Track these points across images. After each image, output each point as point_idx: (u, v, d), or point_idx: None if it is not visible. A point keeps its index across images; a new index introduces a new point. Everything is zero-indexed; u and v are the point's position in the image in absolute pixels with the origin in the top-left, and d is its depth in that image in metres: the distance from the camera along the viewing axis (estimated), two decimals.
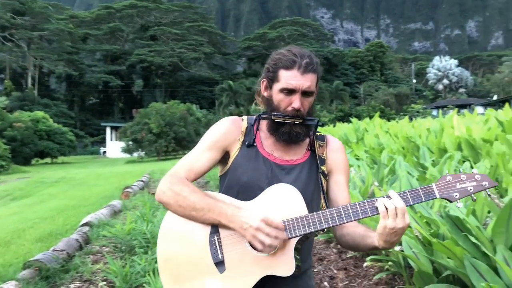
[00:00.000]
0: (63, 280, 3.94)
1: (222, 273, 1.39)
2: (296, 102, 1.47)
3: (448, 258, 2.57)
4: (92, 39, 70.88)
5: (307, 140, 1.61)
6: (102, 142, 50.82)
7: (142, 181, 12.02)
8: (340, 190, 1.60)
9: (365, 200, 1.39)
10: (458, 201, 1.38)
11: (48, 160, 33.34)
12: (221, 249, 1.40)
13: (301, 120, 1.49)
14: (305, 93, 1.49)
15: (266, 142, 1.58)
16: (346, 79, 68.12)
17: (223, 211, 1.39)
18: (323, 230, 1.40)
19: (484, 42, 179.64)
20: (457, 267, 2.46)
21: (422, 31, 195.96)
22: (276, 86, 1.51)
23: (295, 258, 1.40)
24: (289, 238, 1.39)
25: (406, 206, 1.34)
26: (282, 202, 1.42)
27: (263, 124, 1.60)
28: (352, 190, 4.48)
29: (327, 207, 1.50)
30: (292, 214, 1.40)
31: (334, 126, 14.89)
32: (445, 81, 67.75)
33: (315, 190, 1.55)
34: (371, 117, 13.40)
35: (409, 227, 2.97)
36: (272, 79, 1.53)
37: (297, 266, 1.41)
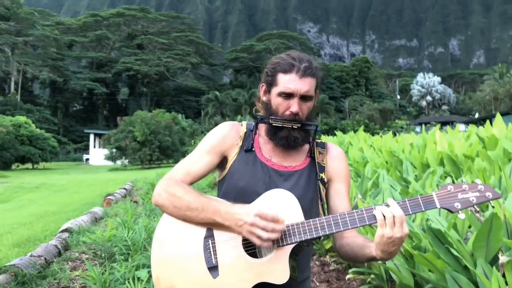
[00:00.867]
0: (39, 287, 3.85)
1: (215, 278, 1.36)
2: (294, 106, 1.45)
3: (430, 271, 2.58)
4: (78, 46, 70.52)
5: (307, 147, 1.58)
6: (86, 149, 50.28)
7: (124, 188, 11.89)
8: (340, 199, 1.56)
9: (363, 208, 1.36)
10: (459, 211, 1.33)
11: (29, 165, 32.86)
12: (215, 254, 1.37)
13: (299, 125, 1.47)
14: (304, 98, 1.47)
15: (265, 148, 1.55)
16: (331, 93, 68.88)
17: (217, 209, 1.35)
18: (319, 237, 1.36)
19: (466, 60, 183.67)
20: (438, 280, 2.47)
21: (407, 48, 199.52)
22: (275, 90, 1.49)
23: (292, 267, 1.36)
24: (284, 245, 1.36)
25: (405, 215, 1.30)
26: (278, 208, 1.37)
27: (262, 129, 1.57)
28: None
29: (324, 215, 1.45)
30: (288, 220, 1.36)
31: (319, 139, 14.94)
32: (429, 97, 68.92)
33: (314, 197, 1.51)
34: (355, 131, 13.52)
35: None
36: (271, 83, 1.51)
37: (293, 276, 1.37)
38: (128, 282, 3.33)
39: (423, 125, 11.38)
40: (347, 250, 1.47)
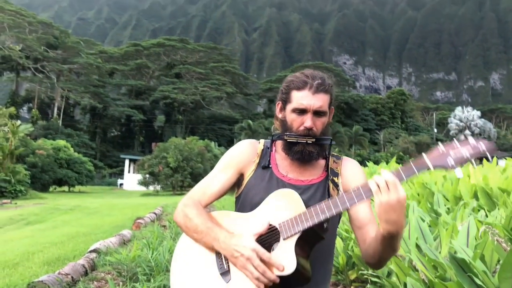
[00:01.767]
0: None
1: (228, 283, 1.40)
2: (308, 121, 1.49)
3: None
4: (118, 74, 73.13)
5: (323, 162, 1.60)
6: (120, 174, 51.26)
7: (154, 213, 12.01)
8: (360, 205, 1.49)
9: (359, 185, 1.37)
10: (456, 168, 1.31)
11: (65, 188, 33.73)
12: (226, 260, 1.42)
13: (313, 139, 1.50)
14: (317, 113, 1.51)
15: (282, 164, 1.59)
16: (366, 124, 68.16)
17: (217, 237, 1.42)
18: (322, 224, 1.37)
19: (508, 95, 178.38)
20: None
21: (445, 81, 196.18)
22: (289, 107, 1.54)
23: (301, 266, 1.35)
24: (286, 238, 1.38)
25: (400, 181, 1.29)
26: (282, 206, 1.42)
27: (279, 146, 1.61)
28: None
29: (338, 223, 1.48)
30: (292, 215, 1.39)
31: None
32: (467, 132, 67.10)
33: None
34: (388, 163, 13.29)
35: (416, 269, 2.89)
36: (285, 101, 1.56)
37: (305, 276, 1.37)
38: None
39: None
40: (370, 252, 1.46)
